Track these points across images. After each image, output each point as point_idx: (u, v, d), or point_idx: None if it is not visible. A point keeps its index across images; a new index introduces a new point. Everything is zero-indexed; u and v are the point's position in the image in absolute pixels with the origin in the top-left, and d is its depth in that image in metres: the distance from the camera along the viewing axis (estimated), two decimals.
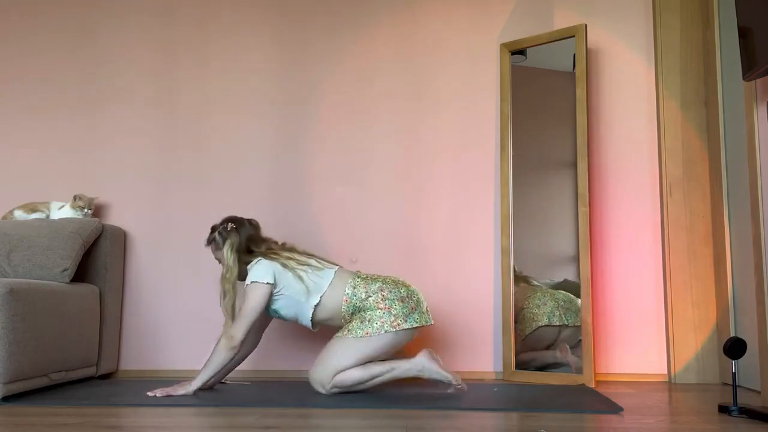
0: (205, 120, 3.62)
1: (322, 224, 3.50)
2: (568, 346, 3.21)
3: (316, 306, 2.76)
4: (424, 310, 2.77)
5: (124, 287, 3.53)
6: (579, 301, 3.18)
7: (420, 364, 2.72)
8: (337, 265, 2.88)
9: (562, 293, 3.29)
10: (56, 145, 3.64)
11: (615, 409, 2.39)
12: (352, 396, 2.67)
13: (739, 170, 3.08)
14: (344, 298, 2.74)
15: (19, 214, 3.35)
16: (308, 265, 2.81)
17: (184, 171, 3.59)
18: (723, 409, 2.33)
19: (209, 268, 3.50)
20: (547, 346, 3.29)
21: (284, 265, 2.78)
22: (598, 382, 3.18)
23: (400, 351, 2.80)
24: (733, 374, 2.33)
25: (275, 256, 2.81)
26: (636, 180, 3.44)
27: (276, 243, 2.94)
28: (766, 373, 2.34)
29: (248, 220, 2.94)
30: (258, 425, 2.09)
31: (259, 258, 2.80)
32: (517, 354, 3.30)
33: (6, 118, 3.68)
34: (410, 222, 3.50)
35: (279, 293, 2.76)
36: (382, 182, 3.52)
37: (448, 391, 2.73)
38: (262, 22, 3.66)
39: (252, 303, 2.71)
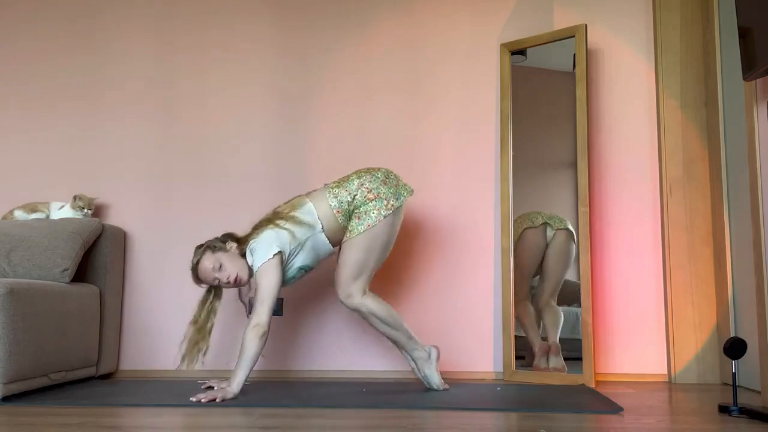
0: (205, 120, 3.62)
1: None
2: (559, 347, 3.22)
3: (323, 229, 2.78)
4: (403, 183, 2.88)
5: (124, 287, 3.53)
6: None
7: (428, 354, 2.85)
8: (303, 195, 2.88)
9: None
10: (56, 145, 3.64)
11: (615, 409, 2.39)
12: (352, 396, 2.67)
13: (739, 170, 3.08)
14: (334, 210, 2.78)
15: (19, 214, 3.35)
16: (284, 217, 2.78)
17: (184, 171, 3.59)
18: (723, 409, 2.33)
19: None
20: (536, 292, 3.29)
21: (275, 226, 2.76)
22: (598, 382, 3.19)
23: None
24: (733, 374, 2.33)
25: (260, 229, 2.77)
26: (636, 180, 3.44)
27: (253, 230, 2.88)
28: (766, 373, 2.34)
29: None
30: (258, 425, 2.09)
31: (253, 240, 2.75)
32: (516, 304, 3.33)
33: (6, 118, 3.68)
34: (410, 222, 3.50)
35: (293, 252, 2.76)
36: None
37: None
38: (262, 19, 3.66)
39: (267, 282, 2.67)
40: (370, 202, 2.76)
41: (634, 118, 3.47)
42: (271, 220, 2.81)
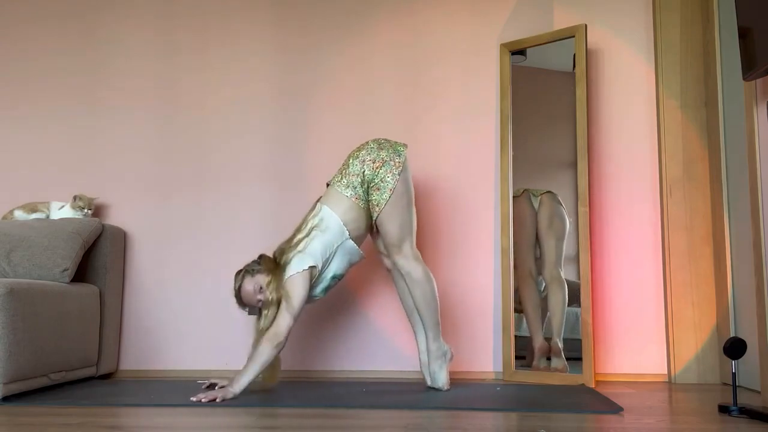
0: (205, 119, 3.62)
1: None
2: (560, 346, 3.22)
3: (350, 235, 2.80)
4: (393, 141, 2.92)
5: (124, 287, 3.53)
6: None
7: (444, 351, 2.90)
8: (316, 204, 2.88)
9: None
10: (56, 145, 3.64)
11: (615, 409, 2.38)
12: (352, 396, 2.67)
13: (739, 170, 3.08)
14: (353, 199, 2.81)
15: (19, 214, 3.35)
16: (312, 228, 2.79)
17: (184, 171, 3.59)
18: (723, 409, 2.33)
19: (209, 268, 3.51)
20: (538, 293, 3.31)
21: (306, 243, 2.75)
22: (598, 382, 3.19)
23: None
24: (733, 374, 2.33)
25: (293, 251, 2.76)
26: (636, 180, 3.44)
27: (278, 249, 2.88)
28: (766, 373, 2.34)
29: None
30: (258, 425, 2.09)
31: (291, 257, 2.75)
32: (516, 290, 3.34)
33: (6, 118, 3.68)
34: None
35: (326, 262, 2.77)
36: None
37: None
38: (263, 18, 3.66)
39: (295, 294, 2.67)
40: (380, 169, 2.79)
41: (634, 119, 3.47)
42: (296, 235, 2.81)
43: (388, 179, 2.78)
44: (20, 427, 2.06)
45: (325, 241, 2.77)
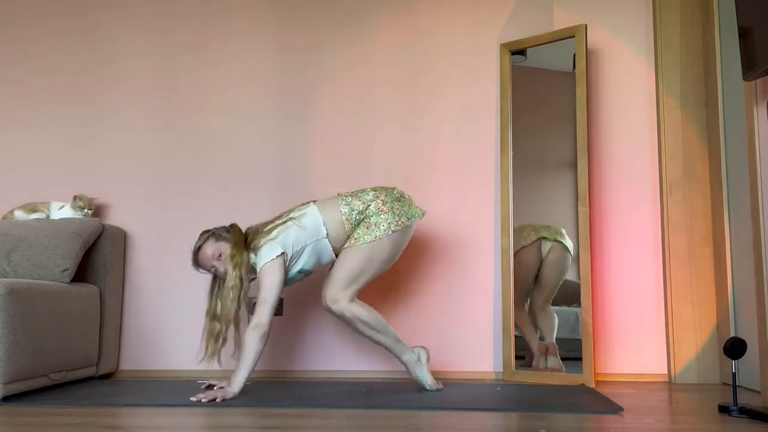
0: (205, 120, 3.62)
1: None
2: (557, 348, 3.22)
3: (327, 236, 2.78)
4: (414, 203, 2.92)
5: (124, 287, 3.53)
6: (563, 231, 3.24)
7: (417, 355, 2.85)
8: (309, 202, 2.88)
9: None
10: (56, 145, 3.64)
11: (615, 409, 2.39)
12: (352, 396, 2.67)
13: (739, 170, 3.08)
14: (344, 217, 2.79)
15: (19, 214, 3.35)
16: (290, 218, 2.80)
17: (184, 171, 3.59)
18: (723, 409, 2.33)
19: None
20: (531, 296, 3.30)
21: (280, 227, 2.77)
22: (598, 382, 3.19)
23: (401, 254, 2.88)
24: (733, 374, 2.33)
25: (264, 237, 2.77)
26: (636, 180, 3.44)
27: (252, 228, 2.88)
28: (766, 373, 2.34)
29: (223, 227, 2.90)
30: (258, 425, 2.09)
31: (258, 239, 2.76)
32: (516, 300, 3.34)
33: (6, 118, 3.68)
34: None
35: (295, 255, 2.77)
36: (382, 181, 3.52)
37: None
38: (263, 19, 3.66)
39: (270, 282, 2.69)
40: (383, 214, 2.77)
41: (634, 119, 3.47)
42: (275, 221, 2.83)
43: (382, 228, 2.75)
44: (20, 427, 2.06)
45: (298, 234, 2.77)
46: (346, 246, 2.79)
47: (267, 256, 2.71)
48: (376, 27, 3.62)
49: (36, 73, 3.70)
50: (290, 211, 2.87)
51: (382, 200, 2.80)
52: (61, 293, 2.91)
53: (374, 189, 2.86)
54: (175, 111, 3.64)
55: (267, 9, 3.67)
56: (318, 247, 2.81)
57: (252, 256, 2.77)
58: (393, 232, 2.75)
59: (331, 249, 2.82)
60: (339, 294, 2.73)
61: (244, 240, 2.82)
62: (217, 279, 2.86)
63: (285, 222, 2.80)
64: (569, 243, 3.25)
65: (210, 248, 2.80)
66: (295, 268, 2.81)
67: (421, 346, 2.90)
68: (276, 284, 2.70)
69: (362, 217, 2.79)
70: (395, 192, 2.86)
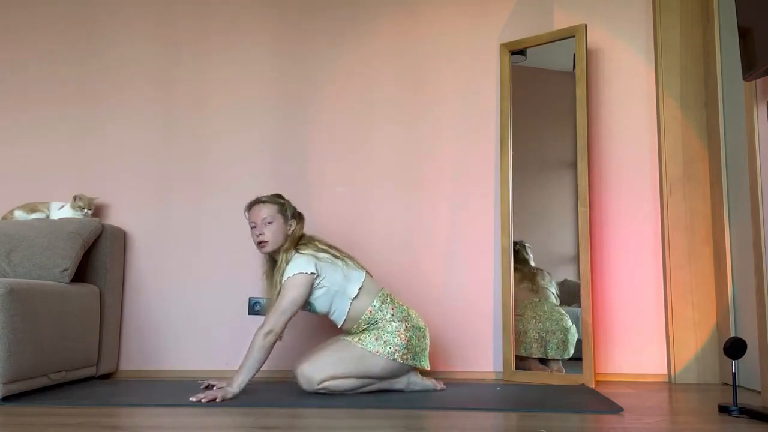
0: (205, 120, 3.62)
1: (321, 224, 3.49)
2: (563, 369, 3.22)
3: (353, 300, 2.76)
4: (427, 354, 2.84)
5: (124, 287, 3.52)
6: (571, 332, 3.21)
7: (405, 379, 2.82)
8: (364, 268, 2.87)
9: (551, 320, 3.27)
10: (56, 145, 3.64)
11: (615, 409, 2.39)
12: (351, 396, 2.67)
13: (739, 170, 3.08)
14: (369, 309, 2.76)
15: (19, 214, 3.35)
16: (343, 260, 2.81)
17: (184, 171, 3.59)
18: (723, 409, 2.33)
19: (209, 268, 3.50)
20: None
21: (324, 257, 2.77)
22: (598, 382, 3.18)
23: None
24: (733, 374, 2.33)
25: (313, 249, 2.79)
26: (636, 180, 3.44)
27: (309, 236, 2.91)
28: (766, 373, 2.34)
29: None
30: (258, 425, 2.09)
31: (302, 251, 2.77)
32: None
33: (6, 119, 3.68)
34: (410, 222, 3.50)
35: (319, 284, 2.75)
36: (382, 182, 3.52)
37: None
38: (263, 21, 3.66)
39: (294, 294, 2.68)
40: (398, 339, 2.73)
41: (634, 118, 3.47)
42: (331, 247, 2.83)
43: (387, 349, 2.70)
44: (20, 427, 2.06)
45: (336, 276, 2.76)
46: (346, 335, 2.78)
47: (301, 267, 2.70)
48: (376, 27, 3.62)
49: (36, 73, 3.70)
50: (346, 255, 2.85)
51: (407, 326, 2.75)
52: (61, 293, 2.91)
53: (410, 315, 2.80)
54: (175, 111, 3.63)
55: (267, 10, 3.67)
56: (339, 299, 2.78)
57: (286, 258, 2.76)
58: (393, 359, 2.71)
59: (347, 312, 2.78)
60: (317, 374, 2.66)
61: (299, 239, 2.83)
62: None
63: (336, 257, 2.79)
64: (572, 348, 3.21)
65: (268, 210, 2.82)
66: (309, 297, 2.78)
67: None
68: (300, 299, 2.70)
69: (381, 325, 2.75)
70: (422, 330, 2.81)
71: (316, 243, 2.84)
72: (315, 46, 3.63)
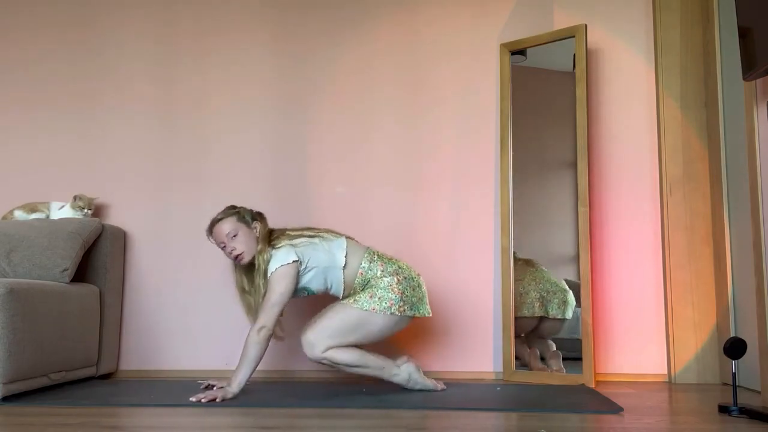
0: (205, 120, 3.62)
1: (321, 224, 3.49)
2: (560, 354, 3.22)
3: (344, 269, 2.77)
4: (427, 301, 2.85)
5: (124, 287, 3.53)
6: (570, 294, 3.23)
7: (407, 374, 2.81)
8: (342, 235, 2.89)
9: (550, 282, 3.29)
10: (56, 145, 3.64)
11: (615, 409, 2.39)
12: (352, 396, 2.67)
13: (739, 170, 3.08)
14: (359, 270, 2.77)
15: (19, 214, 3.35)
16: (319, 236, 2.82)
17: (184, 171, 3.59)
18: (723, 409, 2.33)
19: (209, 268, 3.50)
20: (527, 332, 3.30)
21: (301, 242, 2.77)
22: (598, 382, 3.19)
23: (391, 337, 2.86)
24: (733, 374, 2.33)
25: (287, 240, 2.79)
26: (636, 180, 3.44)
27: (278, 229, 2.92)
28: (766, 373, 2.34)
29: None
30: (258, 425, 2.09)
31: (277, 245, 2.78)
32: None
33: (6, 119, 3.68)
34: (410, 222, 3.50)
35: (306, 268, 2.75)
36: (382, 182, 3.52)
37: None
38: (262, 21, 3.66)
39: (280, 288, 2.68)
40: (391, 293, 2.72)
41: (634, 119, 3.47)
42: (302, 231, 2.84)
43: (384, 304, 2.69)
44: (20, 427, 2.06)
45: (318, 254, 2.77)
46: (344, 300, 2.77)
47: (282, 260, 2.70)
48: (376, 27, 3.62)
49: (36, 73, 3.70)
50: (321, 230, 2.87)
51: (398, 279, 2.74)
52: (61, 293, 2.91)
53: (401, 267, 2.80)
54: (175, 111, 3.64)
55: (267, 10, 3.67)
56: (331, 273, 2.79)
57: (266, 257, 2.76)
58: (391, 314, 2.70)
59: (343, 283, 2.79)
60: (320, 341, 2.65)
61: (269, 235, 2.84)
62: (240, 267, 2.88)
63: (312, 237, 2.80)
64: (571, 310, 3.23)
65: (229, 225, 2.81)
66: (301, 284, 2.79)
67: (406, 359, 2.85)
68: (288, 290, 2.70)
69: (373, 282, 2.75)
70: (415, 279, 2.81)
71: (288, 232, 2.84)
72: (315, 46, 3.63)
